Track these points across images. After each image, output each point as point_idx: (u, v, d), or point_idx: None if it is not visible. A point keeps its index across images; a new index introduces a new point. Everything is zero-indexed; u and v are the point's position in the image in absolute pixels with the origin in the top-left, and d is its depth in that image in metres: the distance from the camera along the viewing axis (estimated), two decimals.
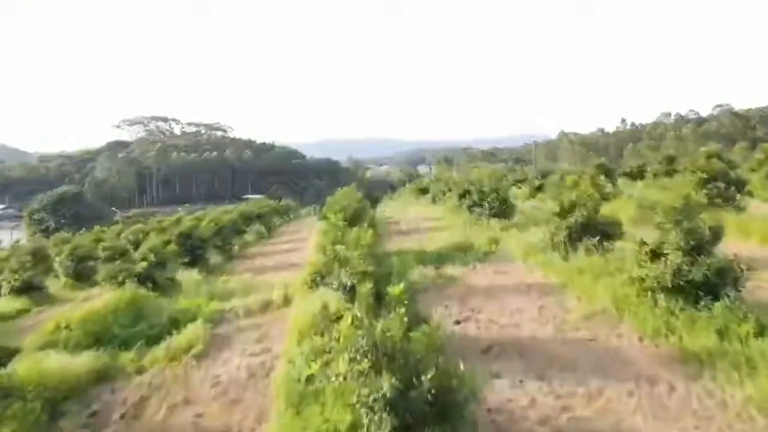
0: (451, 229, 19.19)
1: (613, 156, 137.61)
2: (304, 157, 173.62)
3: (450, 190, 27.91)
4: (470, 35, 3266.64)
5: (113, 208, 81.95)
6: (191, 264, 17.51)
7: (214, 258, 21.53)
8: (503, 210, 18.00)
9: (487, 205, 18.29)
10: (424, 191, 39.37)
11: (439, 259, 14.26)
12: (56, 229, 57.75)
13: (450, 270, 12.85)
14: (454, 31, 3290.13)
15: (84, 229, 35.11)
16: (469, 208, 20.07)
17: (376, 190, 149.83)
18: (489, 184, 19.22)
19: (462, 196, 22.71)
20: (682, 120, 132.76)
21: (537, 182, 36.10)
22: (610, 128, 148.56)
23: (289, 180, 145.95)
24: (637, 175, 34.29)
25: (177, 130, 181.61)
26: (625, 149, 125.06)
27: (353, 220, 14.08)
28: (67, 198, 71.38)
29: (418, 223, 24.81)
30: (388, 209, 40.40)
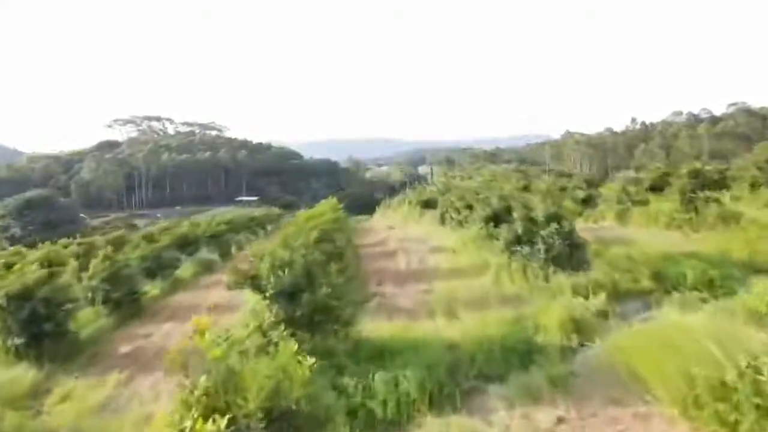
0: (480, 275, 12.21)
1: (622, 156, 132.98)
2: (301, 157, 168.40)
3: (468, 208, 19.78)
4: (470, 34, 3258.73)
5: (81, 215, 76.22)
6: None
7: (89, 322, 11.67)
8: (570, 254, 10.53)
9: (541, 243, 10.78)
10: (428, 204, 30.99)
11: (480, 375, 6.72)
12: (22, 238, 52.63)
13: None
14: (454, 30, 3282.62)
15: (55, 236, 30.07)
16: (508, 244, 11.88)
17: (376, 192, 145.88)
18: (544, 206, 11.58)
19: (491, 219, 15.47)
20: (694, 119, 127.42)
21: (581, 194, 27.07)
22: (618, 128, 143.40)
23: (285, 181, 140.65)
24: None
25: (171, 130, 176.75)
26: (636, 149, 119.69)
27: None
28: (35, 203, 64.58)
29: (422, 256, 17.31)
30: (382, 220, 34.98)
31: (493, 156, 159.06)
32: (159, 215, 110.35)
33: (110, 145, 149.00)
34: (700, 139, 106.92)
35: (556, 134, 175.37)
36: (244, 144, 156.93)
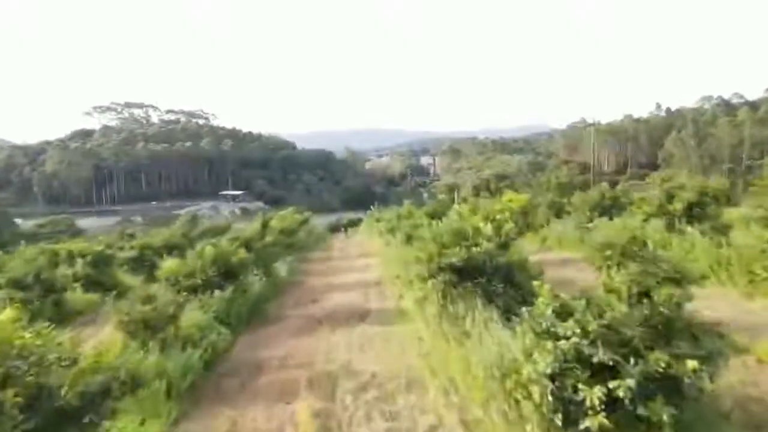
0: None
1: (645, 146, 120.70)
2: (294, 147, 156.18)
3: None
4: (473, 20, 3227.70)
5: (16, 219, 64.39)
6: None
7: None
8: None
9: None
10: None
11: None
12: None
13: None
14: (456, 16, 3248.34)
15: None
16: None
17: (374, 185, 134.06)
18: None
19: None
20: (725, 104, 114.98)
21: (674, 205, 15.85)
22: (638, 115, 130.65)
23: (275, 174, 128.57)
24: None
25: (155, 118, 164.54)
26: (663, 138, 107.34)
27: None
28: None
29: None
30: (356, 247, 24.10)
31: (503, 146, 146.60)
32: (138, 216, 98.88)
33: (86, 135, 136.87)
34: (740, 126, 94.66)
35: (561, 125, 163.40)
36: (231, 133, 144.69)
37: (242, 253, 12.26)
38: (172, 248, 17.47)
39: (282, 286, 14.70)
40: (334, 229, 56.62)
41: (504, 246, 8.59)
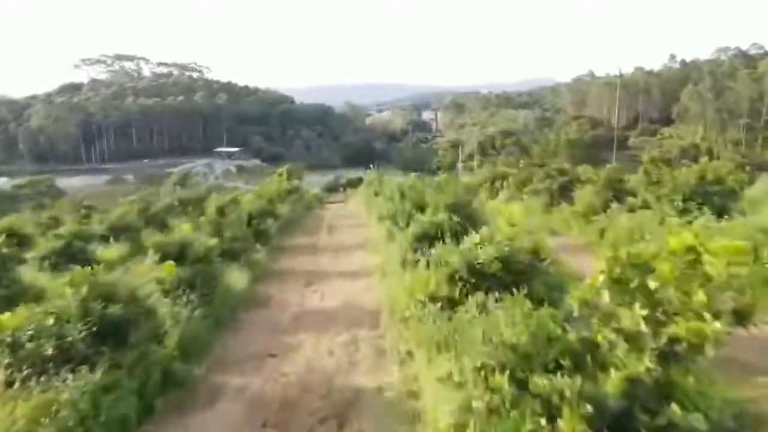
0: None
1: (657, 101, 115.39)
2: (292, 102, 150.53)
3: None
4: None
5: None
6: None
7: None
8: None
9: None
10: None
11: None
12: None
13: None
14: None
15: None
16: None
17: (375, 141, 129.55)
18: None
19: None
20: (743, 56, 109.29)
21: None
22: (653, 67, 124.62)
23: (273, 130, 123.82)
24: None
25: (146, 71, 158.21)
26: (677, 92, 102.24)
27: None
28: None
29: None
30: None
31: (507, 101, 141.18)
32: (130, 175, 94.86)
33: (74, 89, 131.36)
34: (760, 79, 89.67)
35: (565, 78, 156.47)
36: (226, 87, 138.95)
37: (167, 269, 7.94)
38: (120, 232, 13.88)
39: (228, 318, 9.25)
40: (332, 189, 53.03)
41: None
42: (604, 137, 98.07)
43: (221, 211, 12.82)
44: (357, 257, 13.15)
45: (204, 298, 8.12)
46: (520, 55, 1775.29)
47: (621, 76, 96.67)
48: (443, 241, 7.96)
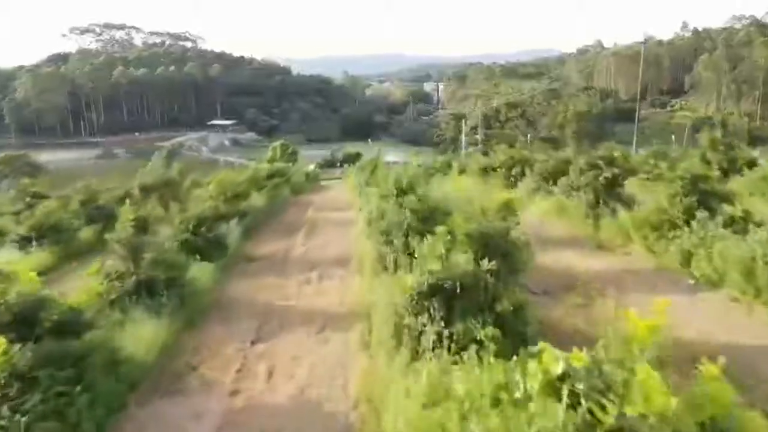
0: None
1: (668, 71, 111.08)
2: (289, 72, 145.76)
3: None
4: None
5: None
6: None
7: None
8: None
9: None
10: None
11: None
12: None
13: None
14: None
15: None
16: None
17: (374, 114, 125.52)
18: None
19: None
20: (758, 25, 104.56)
21: None
22: (663, 36, 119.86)
23: (268, 102, 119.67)
24: None
25: (138, 41, 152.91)
26: (692, 62, 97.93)
27: None
28: None
29: None
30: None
31: (511, 71, 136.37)
32: (122, 149, 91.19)
33: (62, 59, 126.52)
34: None
35: (567, 48, 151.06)
36: (220, 57, 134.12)
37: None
38: (50, 232, 10.73)
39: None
40: (329, 165, 49.72)
41: None
42: (613, 109, 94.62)
43: (143, 224, 8.11)
44: (337, 282, 9.02)
45: (56, 400, 4.36)
46: (519, 25, 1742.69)
47: (645, 43, 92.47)
48: (467, 312, 4.53)
